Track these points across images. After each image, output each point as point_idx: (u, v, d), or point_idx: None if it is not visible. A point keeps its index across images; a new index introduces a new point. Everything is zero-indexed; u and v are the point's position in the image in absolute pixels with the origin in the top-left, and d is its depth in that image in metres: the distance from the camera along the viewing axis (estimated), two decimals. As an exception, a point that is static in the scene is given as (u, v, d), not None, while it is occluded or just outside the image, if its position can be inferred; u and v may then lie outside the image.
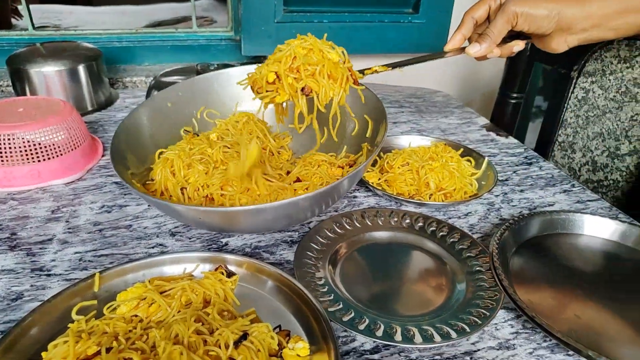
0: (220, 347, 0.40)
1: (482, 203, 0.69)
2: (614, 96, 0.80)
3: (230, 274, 0.51)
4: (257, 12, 1.07)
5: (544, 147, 0.94)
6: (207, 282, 0.48)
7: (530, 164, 0.83)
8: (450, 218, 0.65)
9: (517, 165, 0.82)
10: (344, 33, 1.17)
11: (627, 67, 0.77)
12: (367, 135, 0.66)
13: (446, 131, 0.96)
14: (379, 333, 0.43)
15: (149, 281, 0.48)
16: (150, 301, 0.45)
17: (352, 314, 0.46)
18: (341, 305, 0.47)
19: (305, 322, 0.45)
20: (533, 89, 1.14)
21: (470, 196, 0.68)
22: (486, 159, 0.75)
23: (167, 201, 0.53)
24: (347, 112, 0.70)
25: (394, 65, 0.67)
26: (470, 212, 0.67)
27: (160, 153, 0.62)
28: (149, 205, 0.64)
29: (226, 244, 0.58)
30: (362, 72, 0.66)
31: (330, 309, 0.46)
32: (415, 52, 1.28)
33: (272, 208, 0.47)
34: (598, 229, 0.61)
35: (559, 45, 0.63)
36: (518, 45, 0.67)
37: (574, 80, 0.87)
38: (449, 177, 0.70)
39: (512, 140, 0.92)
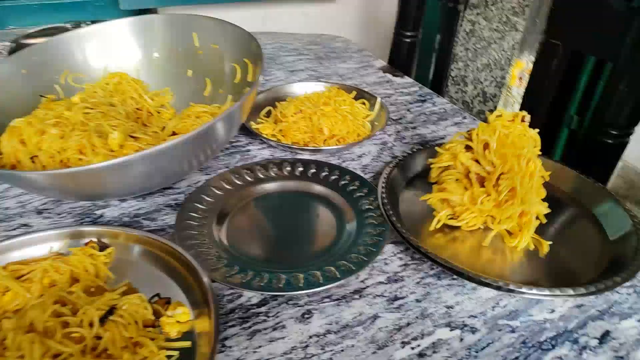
0: (84, 327, 0.36)
1: (375, 143, 0.69)
2: (497, 26, 0.81)
3: (103, 247, 0.46)
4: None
5: (439, 83, 0.96)
6: (74, 259, 0.43)
7: (424, 101, 0.83)
8: (344, 161, 0.64)
9: (411, 104, 0.82)
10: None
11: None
12: (250, 80, 0.62)
13: (344, 76, 0.94)
14: (263, 284, 0.41)
15: (3, 267, 0.42)
16: (4, 289, 0.40)
17: (237, 270, 0.43)
18: (224, 263, 0.44)
19: (186, 286, 0.42)
20: (427, 26, 1.15)
21: (363, 138, 0.67)
22: (378, 99, 0.74)
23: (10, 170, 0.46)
24: (225, 57, 0.65)
25: None
26: (364, 154, 0.66)
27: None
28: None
29: (101, 216, 0.53)
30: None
31: (213, 268, 0.44)
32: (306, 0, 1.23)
33: (137, 160, 0.43)
34: None
35: None
36: None
37: (461, 13, 0.87)
38: (342, 121, 0.68)
39: (407, 79, 0.92)
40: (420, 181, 0.58)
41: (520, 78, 0.54)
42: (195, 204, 0.52)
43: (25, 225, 0.51)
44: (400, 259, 0.47)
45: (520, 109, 0.52)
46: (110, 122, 0.52)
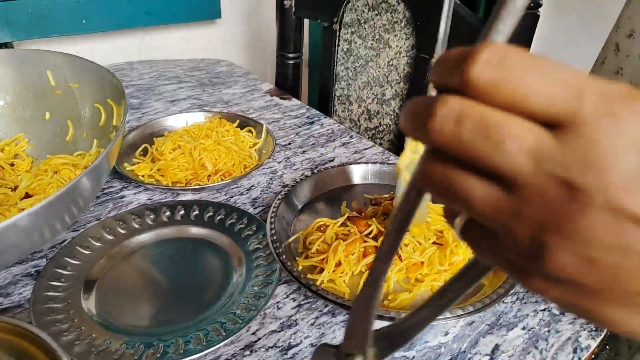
0: None
1: (264, 173, 0.66)
2: (372, 44, 0.83)
3: (-62, 341, 0.38)
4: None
5: (326, 103, 0.96)
6: None
7: (312, 122, 0.83)
8: (232, 197, 0.61)
9: (299, 127, 0.81)
10: (99, 7, 1.02)
11: (377, 15, 0.80)
12: (115, 124, 0.57)
13: (230, 102, 0.91)
14: (137, 358, 0.37)
15: None
16: None
17: (107, 344, 0.38)
18: (93, 337, 0.39)
19: (46, 374, 0.36)
20: (312, 46, 1.15)
21: (251, 169, 0.64)
22: (265, 126, 0.72)
23: None
24: (87, 98, 0.59)
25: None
26: (253, 186, 0.63)
27: None
28: None
29: (-62, 300, 0.44)
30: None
31: (77, 344, 0.38)
32: (188, 20, 1.18)
33: None
34: (372, 176, 0.63)
35: None
36: None
37: (337, 33, 0.88)
38: (226, 153, 0.65)
39: (295, 102, 0.91)
40: (312, 209, 0.57)
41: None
42: (57, 270, 0.46)
43: None
44: (294, 299, 0.45)
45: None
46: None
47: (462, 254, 0.47)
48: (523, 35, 0.62)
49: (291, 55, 1.00)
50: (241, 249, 0.50)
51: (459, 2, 0.69)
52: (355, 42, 0.86)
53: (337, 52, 0.89)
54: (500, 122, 0.15)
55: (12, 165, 0.57)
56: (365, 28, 0.83)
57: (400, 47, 0.78)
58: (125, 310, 0.43)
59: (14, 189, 0.50)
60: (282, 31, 0.97)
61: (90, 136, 0.60)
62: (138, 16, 1.09)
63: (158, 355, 0.37)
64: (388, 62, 0.81)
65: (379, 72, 0.83)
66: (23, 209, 0.47)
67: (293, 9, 0.93)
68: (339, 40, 0.88)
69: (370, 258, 0.46)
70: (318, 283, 0.44)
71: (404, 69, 0.78)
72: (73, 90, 0.61)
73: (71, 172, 0.53)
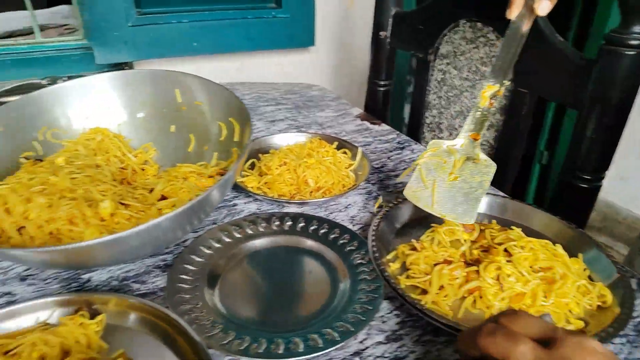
0: (80, 407, 0.34)
1: (360, 193, 0.70)
2: (467, 75, 0.86)
3: (94, 315, 0.45)
4: (106, 16, 0.98)
5: (415, 130, 0.99)
6: (64, 330, 0.42)
7: (403, 148, 0.86)
8: (331, 213, 0.65)
9: (390, 151, 0.84)
10: (207, 32, 1.12)
11: (474, 48, 0.82)
12: (236, 140, 0.63)
13: (323, 125, 0.96)
14: (261, 351, 0.41)
15: (-12, 344, 0.40)
16: (-10, 369, 0.38)
17: (233, 336, 0.43)
18: (220, 328, 0.44)
19: (183, 353, 0.41)
20: (401, 74, 1.19)
21: (348, 188, 0.68)
22: (360, 149, 0.76)
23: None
24: (210, 115, 0.66)
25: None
26: (350, 204, 0.67)
27: None
28: (-11, 250, 0.55)
29: (88, 281, 0.51)
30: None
31: (208, 334, 0.43)
32: (284, 47, 1.27)
33: (131, 236, 0.42)
34: None
35: None
36: None
37: (431, 64, 0.91)
38: (326, 172, 0.69)
39: (384, 127, 0.95)
40: (410, 230, 0.60)
41: (492, 101, 0.58)
42: (185, 266, 0.52)
43: (8, 293, 0.49)
44: (397, 315, 0.48)
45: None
46: (98, 187, 0.51)
47: (570, 298, 0.47)
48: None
49: (382, 83, 1.04)
50: (345, 263, 0.53)
51: (561, 39, 0.70)
52: (449, 73, 0.88)
53: (430, 81, 0.92)
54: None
55: (142, 170, 0.65)
56: (461, 60, 0.86)
57: (498, 80, 0.80)
58: (244, 307, 0.48)
59: (150, 190, 0.57)
60: (376, 60, 1.02)
61: (210, 149, 0.67)
62: (240, 42, 1.19)
63: (279, 351, 0.41)
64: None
65: (473, 102, 0.85)
66: (160, 209, 0.54)
67: (388, 40, 0.98)
68: (432, 70, 0.91)
69: (472, 284, 0.48)
70: (422, 303, 0.46)
71: (501, 101, 0.80)
72: (197, 107, 0.68)
73: (197, 179, 0.60)
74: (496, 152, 0.82)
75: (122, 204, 0.51)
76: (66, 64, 1.14)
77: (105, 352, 0.42)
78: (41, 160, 0.59)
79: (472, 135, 0.59)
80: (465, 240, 0.55)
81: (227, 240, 0.56)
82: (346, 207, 0.66)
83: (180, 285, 0.49)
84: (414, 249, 0.54)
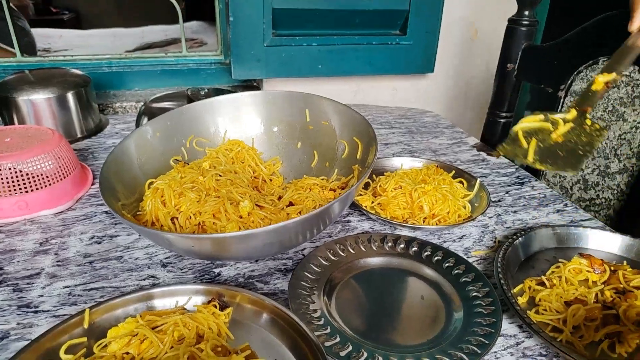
0: (214, 386, 0.39)
1: (476, 225, 0.69)
2: (602, 115, 0.81)
3: (223, 307, 0.49)
4: (246, 36, 1.08)
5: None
6: (200, 317, 0.47)
7: (522, 183, 0.83)
8: (444, 242, 0.65)
9: (509, 186, 0.82)
10: (333, 56, 1.18)
11: (614, 87, 0.78)
12: (358, 157, 0.66)
13: (437, 152, 0.97)
14: (372, 364, 0.42)
15: (141, 316, 0.47)
16: (142, 337, 0.44)
17: (350, 348, 0.45)
18: (338, 339, 0.46)
19: (302, 356, 0.44)
20: (521, 108, 1.15)
21: (464, 219, 0.68)
22: (478, 180, 0.75)
23: (157, 230, 0.52)
24: (335, 134, 0.70)
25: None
26: (464, 235, 0.66)
27: (150, 183, 0.61)
28: (139, 235, 0.63)
29: (219, 274, 0.57)
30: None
31: (326, 343, 0.45)
32: (403, 73, 1.29)
33: (263, 233, 0.47)
34: (601, 242, 0.61)
35: None
36: None
37: (562, 100, 0.88)
38: (442, 200, 0.70)
39: (503, 160, 0.93)
40: (529, 267, 0.58)
41: (608, 85, 0.57)
42: (305, 273, 0.55)
43: (152, 276, 0.56)
44: (511, 354, 0.47)
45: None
46: (237, 189, 0.57)
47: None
48: None
49: (503, 114, 1.02)
50: (459, 293, 0.53)
51: None
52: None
53: (559, 118, 0.88)
54: None
55: (270, 180, 0.71)
56: (596, 98, 0.81)
57: (638, 122, 0.74)
58: (358, 320, 0.50)
59: (279, 198, 0.62)
60: (500, 91, 1.00)
61: (332, 166, 0.71)
62: (362, 66, 1.23)
63: (393, 367, 0.42)
64: (619, 135, 0.77)
65: (606, 144, 0.80)
66: (288, 214, 0.58)
67: (515, 72, 0.96)
68: (561, 107, 0.88)
69: (611, 328, 0.46)
70: (559, 340, 0.45)
71: (639, 145, 0.74)
72: (323, 127, 0.72)
73: (320, 191, 0.63)
74: (628, 199, 0.76)
75: (258, 205, 0.56)
76: (204, 77, 1.27)
77: (231, 342, 0.46)
78: (187, 164, 0.67)
79: (583, 108, 0.60)
80: (593, 282, 0.52)
81: (343, 254, 0.59)
82: (460, 238, 0.66)
83: (300, 290, 0.52)
84: (541, 283, 0.52)
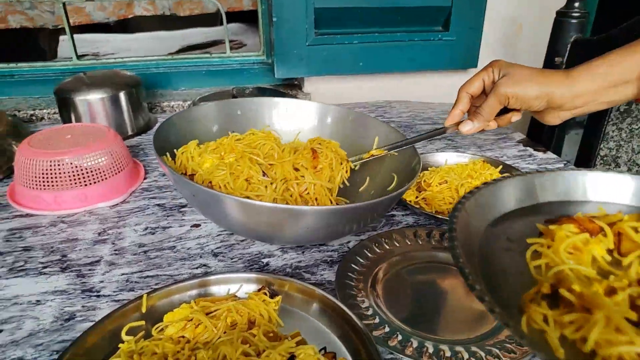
0: (268, 369, 0.40)
1: (524, 220, 0.68)
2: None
3: (273, 295, 0.51)
4: (289, 36, 1.09)
5: (585, 162, 0.92)
6: (251, 303, 0.48)
7: (572, 179, 0.81)
8: (491, 236, 0.64)
9: (558, 181, 0.80)
10: (375, 53, 1.18)
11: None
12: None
13: (482, 147, 0.95)
14: (426, 357, 0.42)
15: (195, 302, 0.49)
16: (197, 322, 0.46)
17: (399, 337, 0.45)
18: (387, 329, 0.46)
19: (351, 344, 0.45)
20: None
21: (511, 214, 0.67)
22: (526, 175, 0.73)
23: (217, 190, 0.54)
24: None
25: (390, 148, 0.68)
26: (512, 230, 0.65)
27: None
28: (191, 227, 0.66)
29: (267, 264, 0.58)
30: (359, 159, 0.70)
31: (375, 333, 0.46)
32: (445, 68, 1.28)
33: (313, 212, 0.49)
34: None
35: (553, 119, 0.65)
36: (515, 116, 0.68)
37: (614, 93, 0.84)
38: (489, 194, 0.69)
39: (550, 155, 0.90)
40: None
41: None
42: (351, 265, 0.56)
43: (204, 265, 0.58)
44: None
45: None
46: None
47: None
48: None
49: (551, 110, 0.99)
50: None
51: None
52: (637, 104, 0.81)
53: (612, 112, 0.85)
54: None
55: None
56: (652, 90, 0.78)
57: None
58: (406, 312, 0.50)
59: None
60: (547, 86, 0.97)
61: (375, 195, 0.68)
62: (403, 62, 1.22)
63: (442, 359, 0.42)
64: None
65: (662, 138, 0.76)
66: (338, 204, 0.59)
67: (564, 66, 0.93)
68: (614, 100, 0.84)
69: None
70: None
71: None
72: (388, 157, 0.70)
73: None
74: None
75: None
76: (247, 76, 1.30)
77: (281, 329, 0.48)
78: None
79: None
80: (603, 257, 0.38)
81: (388, 247, 0.59)
82: (508, 233, 0.65)
83: (346, 281, 0.53)
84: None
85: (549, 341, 0.30)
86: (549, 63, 0.95)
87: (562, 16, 0.91)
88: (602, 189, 0.45)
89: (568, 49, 0.91)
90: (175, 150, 0.65)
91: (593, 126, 0.90)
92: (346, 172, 0.68)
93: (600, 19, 1.36)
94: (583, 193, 0.45)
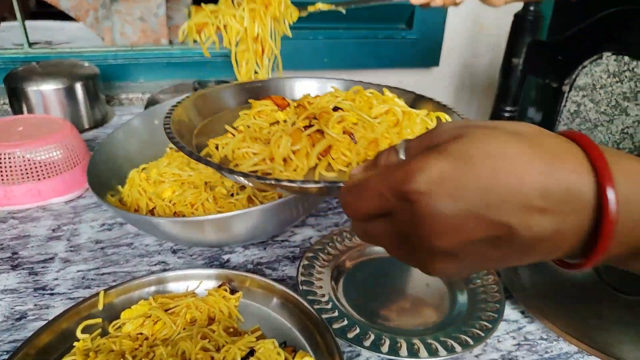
0: (227, 365, 0.40)
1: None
2: (605, 109, 0.82)
3: (233, 291, 0.51)
4: (253, 29, 1.08)
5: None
6: (211, 300, 0.48)
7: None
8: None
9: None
10: (339, 49, 1.19)
11: (617, 82, 0.79)
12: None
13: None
14: (385, 348, 0.44)
15: (153, 298, 0.48)
16: (156, 319, 0.45)
17: (357, 330, 0.46)
18: (346, 322, 0.47)
19: (311, 337, 0.45)
20: (526, 102, 1.16)
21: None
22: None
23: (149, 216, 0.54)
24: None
25: (337, 3, 0.67)
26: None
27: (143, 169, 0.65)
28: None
29: (228, 261, 0.58)
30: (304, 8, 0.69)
31: (335, 325, 0.47)
32: (409, 66, 1.30)
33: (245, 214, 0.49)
34: None
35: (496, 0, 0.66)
36: None
37: (566, 94, 0.88)
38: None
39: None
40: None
41: None
42: (313, 260, 0.56)
43: (163, 262, 0.57)
44: (513, 337, 0.48)
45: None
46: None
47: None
48: None
49: (508, 109, 1.02)
50: (463, 280, 0.54)
51: None
52: (585, 105, 0.85)
53: (562, 112, 0.89)
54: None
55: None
56: (600, 93, 0.82)
57: (641, 116, 0.75)
58: (366, 305, 0.51)
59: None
60: (505, 86, 1.01)
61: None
62: (368, 59, 1.24)
63: (400, 351, 0.43)
64: (622, 129, 0.78)
65: (608, 137, 0.81)
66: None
67: (520, 67, 0.97)
68: (566, 101, 0.88)
69: (322, 144, 0.48)
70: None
71: (641, 139, 0.75)
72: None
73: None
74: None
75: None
76: (210, 70, 1.28)
77: (241, 324, 0.48)
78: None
79: None
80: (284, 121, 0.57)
81: (350, 243, 0.60)
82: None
83: (308, 277, 0.53)
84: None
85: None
86: (507, 63, 0.98)
87: (519, 19, 0.94)
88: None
89: (524, 51, 0.95)
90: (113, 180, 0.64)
91: (546, 126, 0.93)
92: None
93: (556, 21, 1.42)
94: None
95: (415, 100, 0.63)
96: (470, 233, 0.25)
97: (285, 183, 0.39)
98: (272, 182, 0.40)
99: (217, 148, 0.52)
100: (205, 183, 0.60)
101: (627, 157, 0.26)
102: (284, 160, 0.47)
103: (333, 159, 0.47)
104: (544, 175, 0.24)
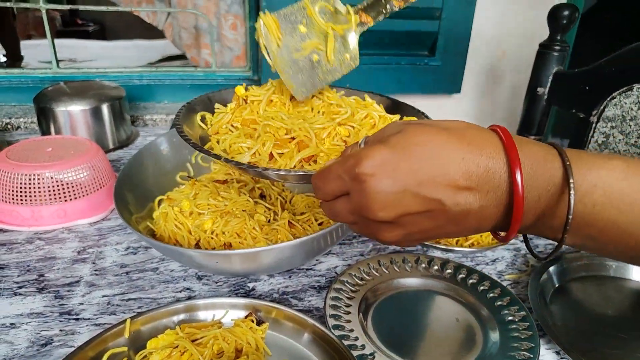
0: (257, 402, 0.39)
1: (508, 249, 0.68)
2: (636, 141, 0.80)
3: (260, 322, 0.50)
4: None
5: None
6: (238, 331, 0.47)
7: (553, 208, 0.82)
8: (477, 264, 0.65)
9: (539, 210, 0.81)
10: (362, 74, 1.19)
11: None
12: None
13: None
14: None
15: (180, 328, 0.47)
16: (183, 350, 0.45)
17: (386, 366, 0.45)
18: (375, 358, 0.46)
19: (340, 374, 0.44)
20: (550, 132, 1.15)
21: (497, 243, 0.68)
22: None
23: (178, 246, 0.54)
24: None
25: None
26: (497, 259, 0.66)
27: (160, 201, 0.65)
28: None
29: (253, 289, 0.57)
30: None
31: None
32: (431, 93, 1.30)
33: (286, 247, 0.49)
34: None
35: None
36: None
37: (594, 125, 0.87)
38: (474, 221, 0.69)
39: (532, 183, 0.92)
40: (563, 294, 0.57)
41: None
42: (340, 290, 0.55)
43: (188, 288, 0.57)
44: (551, 380, 0.46)
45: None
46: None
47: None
48: None
49: (532, 137, 1.01)
50: (494, 317, 0.53)
51: None
52: (614, 137, 0.84)
53: (589, 143, 0.88)
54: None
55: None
56: (630, 125, 0.81)
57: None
58: (395, 341, 0.49)
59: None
60: (529, 114, 0.99)
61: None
62: (390, 84, 1.24)
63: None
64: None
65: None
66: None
67: (545, 97, 0.96)
68: (593, 132, 0.87)
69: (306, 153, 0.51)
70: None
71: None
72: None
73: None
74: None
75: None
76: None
77: (269, 358, 0.47)
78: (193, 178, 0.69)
79: (364, 17, 0.52)
80: None
81: (377, 273, 0.59)
82: (493, 261, 0.65)
83: (335, 309, 0.52)
84: None
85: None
86: (532, 92, 0.97)
87: (545, 48, 0.94)
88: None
89: (550, 81, 0.94)
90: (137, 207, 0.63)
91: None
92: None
93: (578, 50, 1.41)
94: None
95: (395, 106, 0.68)
96: (407, 206, 0.31)
97: (270, 172, 0.45)
98: (260, 169, 0.45)
99: (218, 142, 0.57)
100: (243, 211, 0.59)
101: (532, 142, 0.32)
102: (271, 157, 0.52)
103: (315, 162, 0.51)
104: (465, 160, 0.31)
